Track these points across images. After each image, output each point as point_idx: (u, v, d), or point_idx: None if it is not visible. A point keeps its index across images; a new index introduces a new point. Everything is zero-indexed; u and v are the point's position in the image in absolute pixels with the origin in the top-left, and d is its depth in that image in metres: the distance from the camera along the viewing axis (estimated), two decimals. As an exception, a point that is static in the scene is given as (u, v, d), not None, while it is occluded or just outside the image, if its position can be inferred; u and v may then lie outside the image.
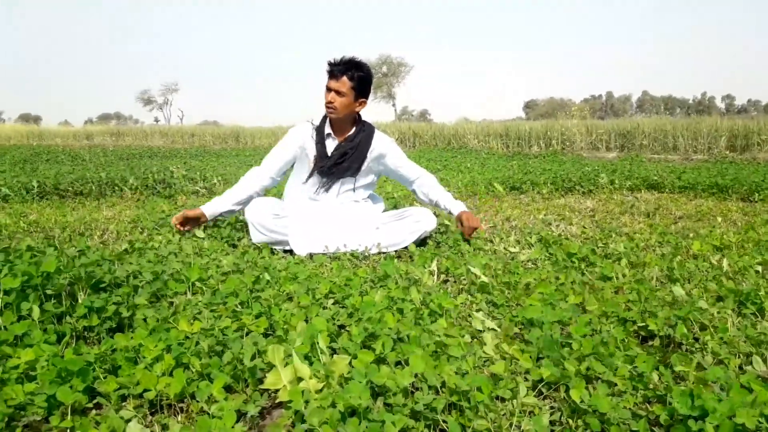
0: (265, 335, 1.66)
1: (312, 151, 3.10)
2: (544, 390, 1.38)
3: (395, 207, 3.72)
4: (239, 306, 1.85)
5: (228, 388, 1.36)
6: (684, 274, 2.35)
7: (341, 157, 3.07)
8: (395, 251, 2.94)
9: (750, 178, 5.90)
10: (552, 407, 1.32)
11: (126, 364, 1.37)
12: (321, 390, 1.30)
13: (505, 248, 2.94)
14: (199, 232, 3.05)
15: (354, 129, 3.12)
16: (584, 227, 3.65)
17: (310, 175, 3.11)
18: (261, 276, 2.15)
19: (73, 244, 2.66)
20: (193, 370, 1.38)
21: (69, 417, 1.21)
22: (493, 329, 1.70)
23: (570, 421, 1.25)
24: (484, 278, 2.20)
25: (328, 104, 2.99)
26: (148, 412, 1.29)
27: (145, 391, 1.30)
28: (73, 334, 1.64)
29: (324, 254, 2.81)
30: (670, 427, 1.18)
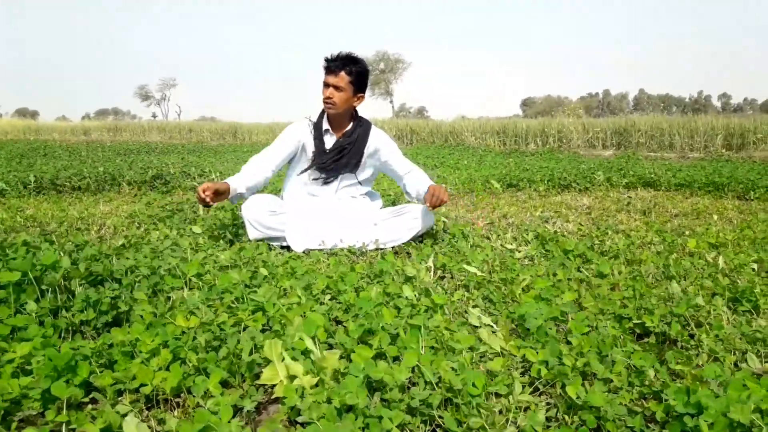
0: (262, 330, 1.66)
1: (311, 147, 3.10)
2: (540, 386, 1.38)
3: (393, 204, 3.72)
4: (236, 301, 1.85)
5: (224, 383, 1.36)
6: (680, 272, 2.35)
7: (339, 153, 3.07)
8: (392, 248, 2.94)
9: (746, 176, 5.92)
10: (548, 403, 1.33)
11: (122, 358, 1.37)
12: (316, 385, 1.30)
13: (501, 245, 2.94)
14: (197, 228, 3.04)
15: (351, 125, 3.13)
16: (580, 224, 3.65)
17: (308, 171, 3.11)
18: (258, 271, 2.14)
19: (70, 239, 2.65)
20: (190, 365, 1.38)
21: (65, 411, 1.21)
22: (489, 325, 1.71)
23: (566, 417, 1.25)
24: (480, 274, 2.21)
25: (327, 100, 2.99)
26: (144, 407, 1.29)
27: (142, 385, 1.30)
28: (70, 328, 1.64)
29: (321, 250, 2.81)
30: (666, 424, 1.19)
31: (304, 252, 2.82)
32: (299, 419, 1.16)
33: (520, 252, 2.76)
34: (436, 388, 1.28)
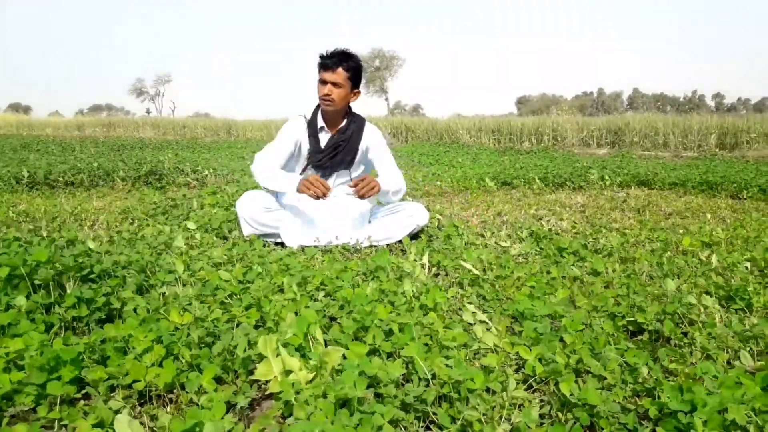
0: (256, 327, 1.65)
1: (306, 145, 3.09)
2: (534, 383, 1.38)
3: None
4: (229, 297, 1.84)
5: (218, 380, 1.36)
6: (673, 270, 2.36)
7: (334, 150, 3.06)
8: (387, 245, 2.94)
9: (739, 175, 5.95)
10: (542, 400, 1.33)
11: (115, 354, 1.37)
12: (311, 381, 1.29)
13: (496, 242, 2.95)
14: (191, 224, 3.03)
15: (345, 121, 3.12)
16: (575, 222, 3.66)
17: (305, 169, 3.10)
18: (252, 268, 2.14)
19: (63, 235, 2.64)
20: (183, 361, 1.37)
21: (57, 407, 1.20)
22: (483, 322, 1.71)
23: (560, 414, 1.25)
24: (475, 271, 2.21)
25: (325, 97, 2.96)
26: (136, 403, 1.29)
27: (134, 381, 1.29)
28: (62, 324, 1.63)
29: (315, 247, 2.80)
30: (659, 421, 1.19)
31: (298, 248, 2.82)
32: (293, 415, 1.16)
33: (514, 249, 2.76)
34: (431, 384, 1.28)
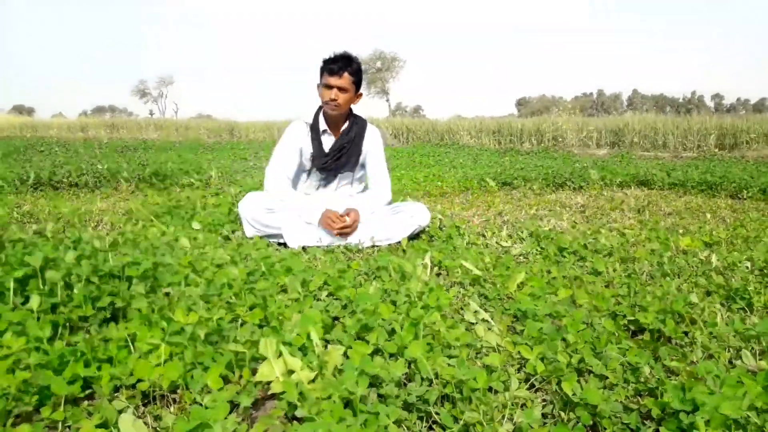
0: (260, 326, 1.66)
1: (308, 149, 3.09)
2: (536, 383, 1.39)
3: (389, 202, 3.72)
4: (234, 297, 1.85)
5: (222, 379, 1.36)
6: (674, 270, 2.37)
7: (339, 153, 3.07)
8: (389, 245, 2.95)
9: (739, 175, 5.95)
10: (544, 400, 1.33)
11: (119, 354, 1.37)
12: (313, 381, 1.30)
13: (497, 242, 2.95)
14: (195, 225, 3.04)
15: (347, 123, 3.12)
16: (575, 222, 3.67)
17: (309, 173, 3.12)
18: (256, 268, 2.15)
19: (68, 235, 2.64)
20: (187, 360, 1.38)
21: (61, 407, 1.21)
22: (485, 321, 1.71)
23: (562, 413, 1.26)
24: (476, 271, 2.21)
25: (331, 101, 2.95)
26: (140, 403, 1.29)
27: (138, 381, 1.30)
28: (67, 324, 1.63)
29: (318, 247, 2.81)
30: (662, 421, 1.19)
31: (300, 249, 2.82)
32: (297, 413, 1.16)
33: (515, 249, 2.77)
34: (433, 384, 1.28)
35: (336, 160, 3.08)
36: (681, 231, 3.36)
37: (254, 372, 1.38)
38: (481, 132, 15.69)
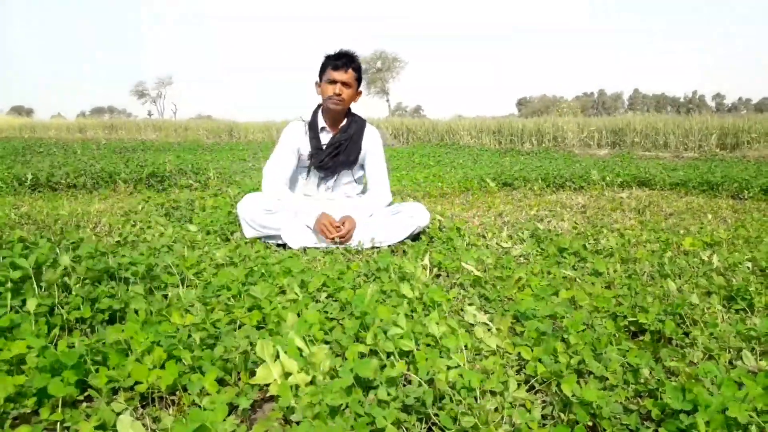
0: (258, 328, 1.65)
1: (306, 148, 3.09)
2: (536, 384, 1.38)
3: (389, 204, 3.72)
4: (231, 299, 1.85)
5: (220, 381, 1.36)
6: (675, 270, 2.36)
7: (336, 149, 3.07)
8: (388, 246, 2.94)
9: (740, 175, 5.94)
10: (544, 401, 1.33)
11: (117, 356, 1.37)
12: (311, 383, 1.30)
13: (497, 243, 2.95)
14: (192, 226, 3.04)
15: (346, 120, 3.13)
16: (576, 223, 3.66)
17: (308, 173, 3.11)
18: (254, 269, 2.14)
19: (65, 237, 2.64)
20: (185, 363, 1.37)
21: (59, 409, 1.20)
22: (485, 323, 1.71)
23: (561, 415, 1.25)
24: (476, 272, 2.21)
25: (336, 96, 2.96)
26: (139, 405, 1.29)
27: (137, 383, 1.29)
28: (65, 326, 1.63)
29: (317, 248, 2.80)
30: (662, 422, 1.19)
31: (299, 250, 2.82)
32: (293, 417, 1.16)
33: (515, 250, 2.76)
34: (431, 386, 1.28)
35: (334, 156, 3.07)
36: (682, 231, 3.36)
37: (252, 374, 1.38)
38: (481, 132, 15.69)
